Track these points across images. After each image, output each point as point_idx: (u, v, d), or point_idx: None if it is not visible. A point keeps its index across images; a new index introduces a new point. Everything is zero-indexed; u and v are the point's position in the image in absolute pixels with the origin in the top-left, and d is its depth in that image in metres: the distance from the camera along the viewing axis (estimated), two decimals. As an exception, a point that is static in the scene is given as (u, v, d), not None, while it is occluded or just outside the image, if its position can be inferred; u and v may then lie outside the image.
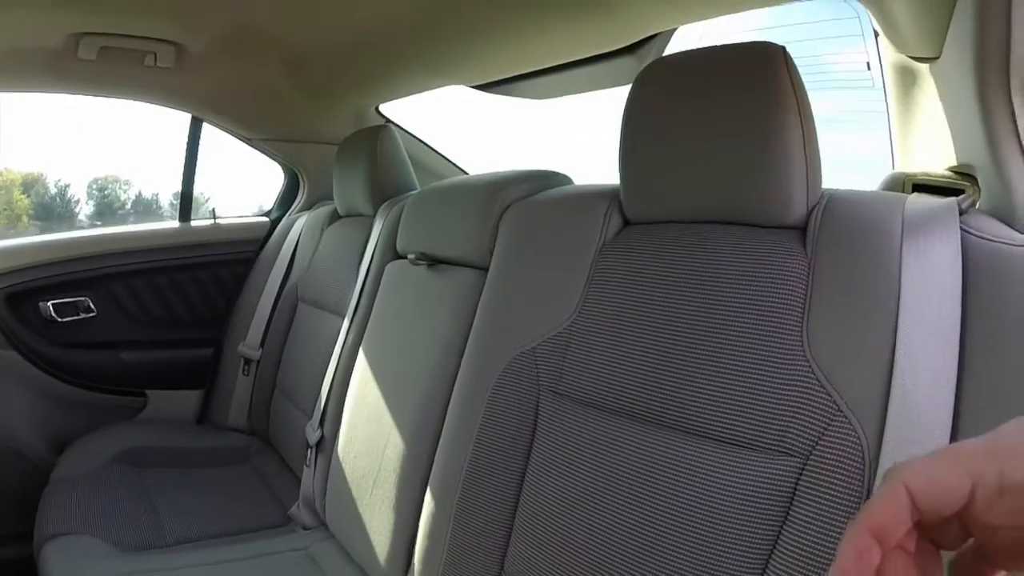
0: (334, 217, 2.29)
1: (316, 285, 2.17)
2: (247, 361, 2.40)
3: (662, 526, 0.90)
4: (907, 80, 1.23)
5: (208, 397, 2.55)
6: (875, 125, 1.39)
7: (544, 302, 1.16)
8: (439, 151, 2.68)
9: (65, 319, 2.36)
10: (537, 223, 1.28)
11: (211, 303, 2.59)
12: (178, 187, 2.58)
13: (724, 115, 0.96)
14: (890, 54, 1.27)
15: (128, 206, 3.19)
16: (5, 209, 2.97)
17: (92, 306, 2.40)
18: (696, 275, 0.98)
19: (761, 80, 0.92)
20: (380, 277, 1.76)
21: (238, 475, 2.17)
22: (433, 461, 1.33)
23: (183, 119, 2.51)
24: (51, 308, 2.33)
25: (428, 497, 1.29)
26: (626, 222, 1.13)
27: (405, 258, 1.67)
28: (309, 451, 1.82)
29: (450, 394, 1.33)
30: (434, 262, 1.56)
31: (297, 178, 2.75)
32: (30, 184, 3.08)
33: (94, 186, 3.17)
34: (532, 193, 1.38)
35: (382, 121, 2.57)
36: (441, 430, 1.33)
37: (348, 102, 2.52)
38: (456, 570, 1.18)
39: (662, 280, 1.01)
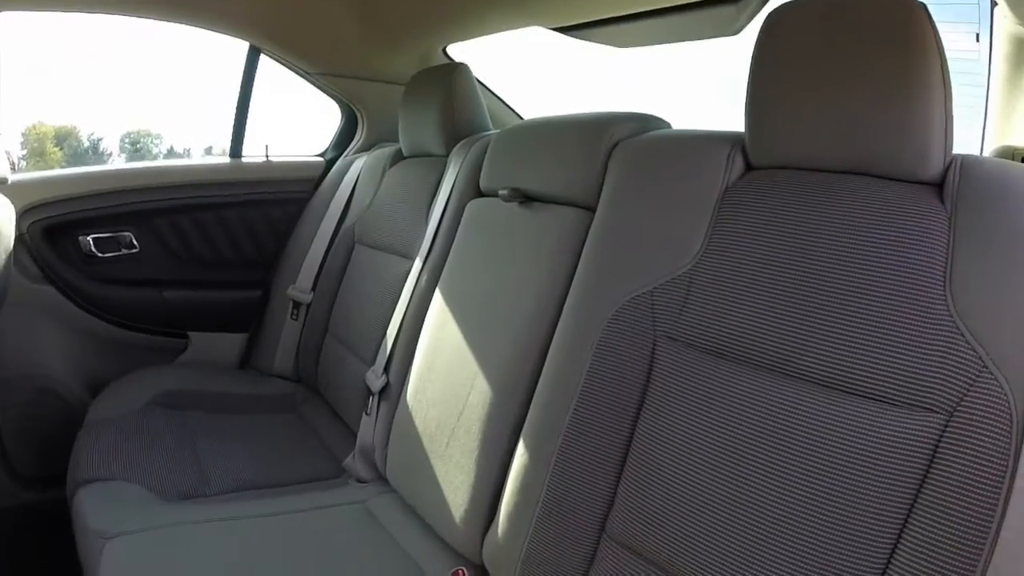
0: (397, 158, 2.17)
1: (378, 226, 2.06)
2: (296, 305, 2.30)
3: (789, 483, 0.88)
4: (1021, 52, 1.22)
5: (252, 341, 2.46)
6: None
7: (661, 245, 1.10)
8: (503, 99, 2.57)
9: (106, 254, 2.26)
10: (652, 163, 1.21)
11: (260, 244, 2.48)
12: (211, 142, 2.52)
13: (865, 65, 0.92)
14: (1007, 25, 1.24)
15: (160, 159, 3.07)
16: (39, 161, 2.89)
17: (134, 242, 2.30)
18: (830, 223, 0.95)
19: (907, 35, 0.90)
20: (459, 217, 1.67)
21: (284, 423, 2.07)
22: (527, 412, 1.25)
23: (220, 72, 2.45)
24: (91, 242, 2.23)
25: (521, 450, 1.21)
26: (748, 167, 1.08)
27: (489, 196, 1.59)
28: (371, 399, 1.72)
29: (548, 339, 1.26)
30: (528, 199, 1.47)
31: (355, 118, 2.64)
32: (63, 137, 3.00)
33: (126, 140, 3.11)
34: (638, 133, 1.31)
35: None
36: (537, 378, 1.25)
37: (415, 40, 2.41)
38: (550, 529, 1.12)
39: (793, 227, 0.98)
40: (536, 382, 1.25)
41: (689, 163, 1.13)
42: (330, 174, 2.50)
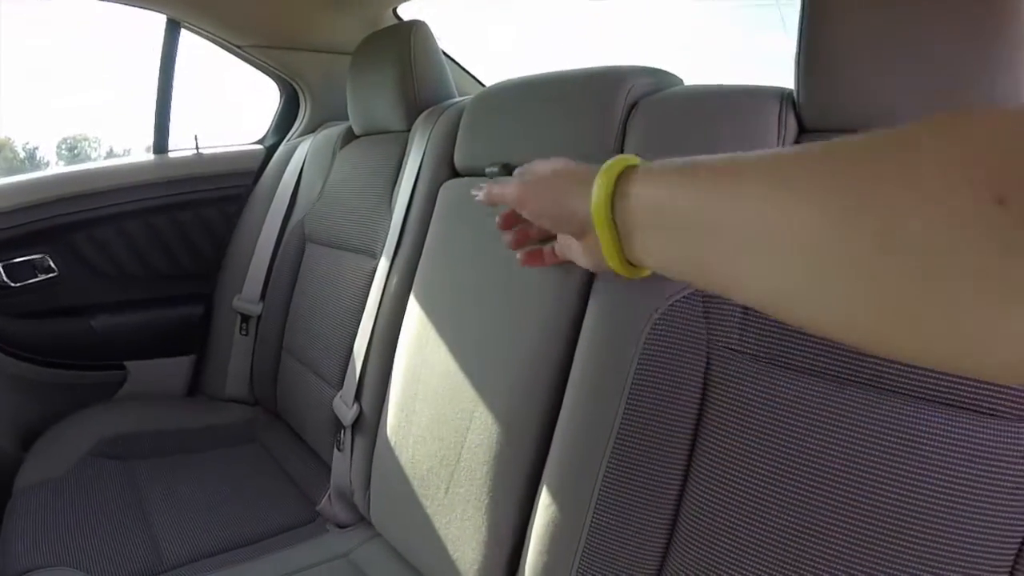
0: (348, 138, 1.89)
1: (332, 220, 1.77)
2: (245, 318, 2.04)
3: (888, 511, 0.75)
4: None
5: (200, 364, 2.19)
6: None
7: None
8: (462, 65, 2.31)
9: (19, 283, 1.98)
10: (684, 125, 0.98)
11: (196, 251, 2.20)
12: (149, 141, 2.21)
13: (947, 20, 0.78)
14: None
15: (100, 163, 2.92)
16: None
17: (51, 264, 2.02)
18: None
19: None
20: (431, 202, 1.40)
21: (245, 457, 1.82)
22: (549, 444, 1.02)
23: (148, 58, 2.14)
24: (1, 271, 1.95)
25: (546, 498, 0.99)
26: (801, 129, 0.91)
27: (469, 176, 1.34)
28: (342, 432, 1.46)
29: (565, 358, 1.02)
30: None
31: (296, 96, 2.35)
32: None
33: (63, 146, 2.95)
34: (657, 89, 1.07)
35: (400, 26, 2.16)
36: (554, 407, 1.02)
37: (359, 2, 2.13)
38: (600, 564, 0.92)
39: None
40: (553, 412, 1.02)
41: (734, 125, 0.93)
42: (271, 163, 2.20)
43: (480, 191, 0.90)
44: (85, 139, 2.93)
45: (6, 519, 1.48)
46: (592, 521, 0.91)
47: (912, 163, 0.37)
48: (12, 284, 1.96)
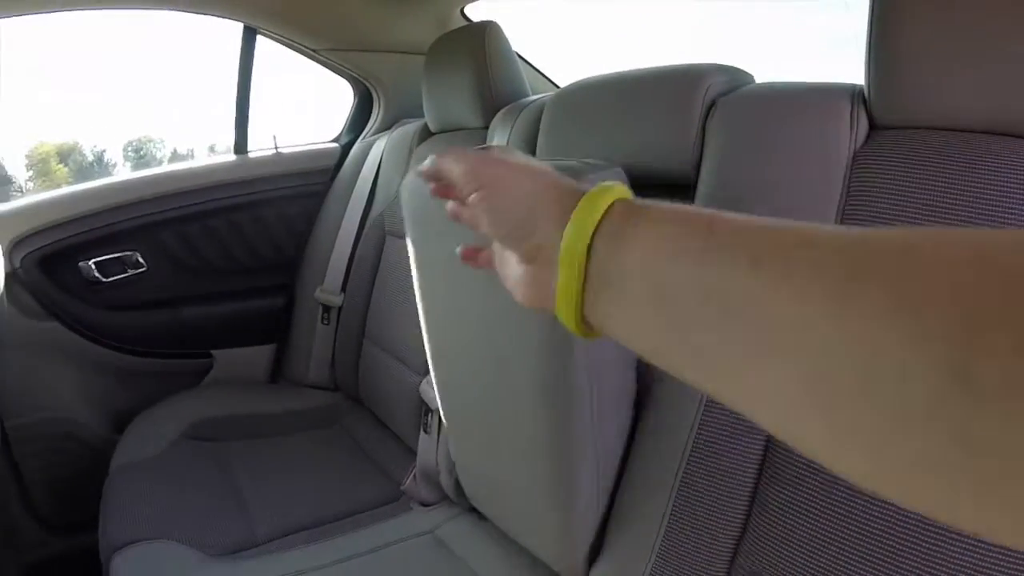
0: (424, 135, 1.95)
1: (411, 214, 1.81)
2: (327, 308, 2.12)
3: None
4: None
5: (282, 352, 2.27)
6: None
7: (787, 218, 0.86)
8: (532, 63, 2.34)
9: (111, 278, 2.07)
10: (763, 123, 1.00)
11: (278, 245, 2.27)
12: (214, 140, 2.35)
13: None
14: None
15: (165, 163, 3.02)
16: (45, 180, 2.83)
17: (141, 260, 2.11)
18: (972, 194, 0.80)
19: None
20: None
21: (328, 440, 1.90)
22: (636, 424, 1.05)
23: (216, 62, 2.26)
24: (93, 267, 2.04)
25: (633, 476, 1.03)
26: (872, 125, 0.92)
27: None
28: (429, 416, 1.52)
29: None
30: None
31: (370, 95, 2.41)
32: (66, 154, 2.96)
33: (129, 148, 3.05)
34: (734, 87, 1.09)
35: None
36: (645, 386, 1.05)
37: (429, 2, 2.20)
38: (676, 560, 0.95)
39: (932, 199, 0.83)
40: (644, 392, 1.05)
41: (808, 122, 0.95)
42: (347, 160, 2.27)
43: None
44: (150, 140, 3.03)
45: (104, 497, 1.56)
46: (673, 507, 0.95)
47: None
48: (104, 279, 2.05)
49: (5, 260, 1.79)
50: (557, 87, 2.13)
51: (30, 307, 1.95)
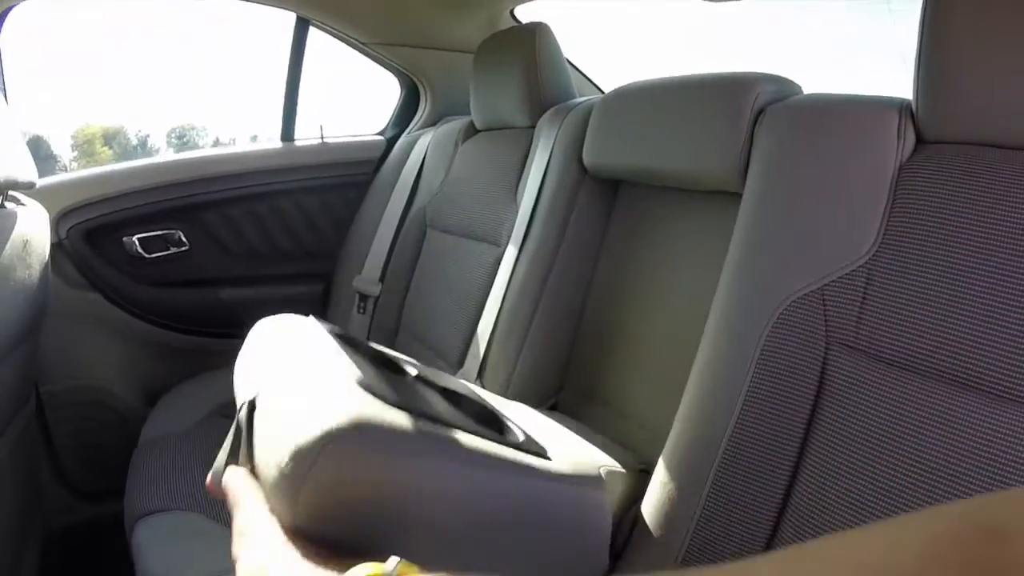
0: (470, 132, 1.98)
1: (455, 209, 1.86)
2: (363, 297, 2.12)
3: None
4: None
5: None
6: None
7: (829, 232, 0.93)
8: (578, 67, 2.35)
9: (153, 255, 2.11)
10: (810, 133, 1.00)
11: (319, 233, 2.31)
12: (256, 131, 2.38)
13: None
14: None
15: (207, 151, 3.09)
16: (89, 162, 2.88)
17: (183, 239, 2.14)
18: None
19: None
20: (560, 196, 1.49)
21: None
22: (670, 429, 1.06)
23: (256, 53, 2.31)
24: (136, 243, 2.08)
25: (665, 472, 1.02)
26: (919, 140, 0.92)
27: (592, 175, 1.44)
28: None
29: (691, 346, 1.06)
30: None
31: (417, 91, 2.43)
32: (111, 136, 3.03)
33: (173, 135, 3.12)
34: (781, 97, 1.11)
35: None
36: (680, 391, 1.06)
37: (480, 2, 2.22)
38: (719, 518, 0.94)
39: (982, 215, 0.82)
40: (681, 397, 1.06)
41: (855, 134, 0.95)
42: (392, 153, 2.30)
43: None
44: (192, 128, 3.08)
45: (132, 466, 1.59)
46: (709, 494, 0.94)
47: None
48: (146, 255, 2.08)
49: (52, 231, 1.81)
50: (601, 91, 2.16)
51: (73, 278, 1.99)
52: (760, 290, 0.96)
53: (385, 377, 0.78)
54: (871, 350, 0.86)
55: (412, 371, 0.95)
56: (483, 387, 1.48)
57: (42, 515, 1.90)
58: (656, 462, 1.06)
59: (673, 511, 0.98)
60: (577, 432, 1.26)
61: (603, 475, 0.97)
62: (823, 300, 0.90)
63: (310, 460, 0.60)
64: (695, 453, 0.98)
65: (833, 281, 0.90)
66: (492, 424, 0.91)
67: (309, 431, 0.61)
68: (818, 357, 0.89)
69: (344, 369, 0.71)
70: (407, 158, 2.18)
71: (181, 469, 1.53)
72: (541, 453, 0.85)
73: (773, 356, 0.92)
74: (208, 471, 1.50)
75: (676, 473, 1.00)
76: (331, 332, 0.90)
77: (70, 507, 2.04)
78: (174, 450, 1.61)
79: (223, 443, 1.61)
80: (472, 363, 1.54)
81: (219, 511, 1.39)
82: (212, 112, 3.13)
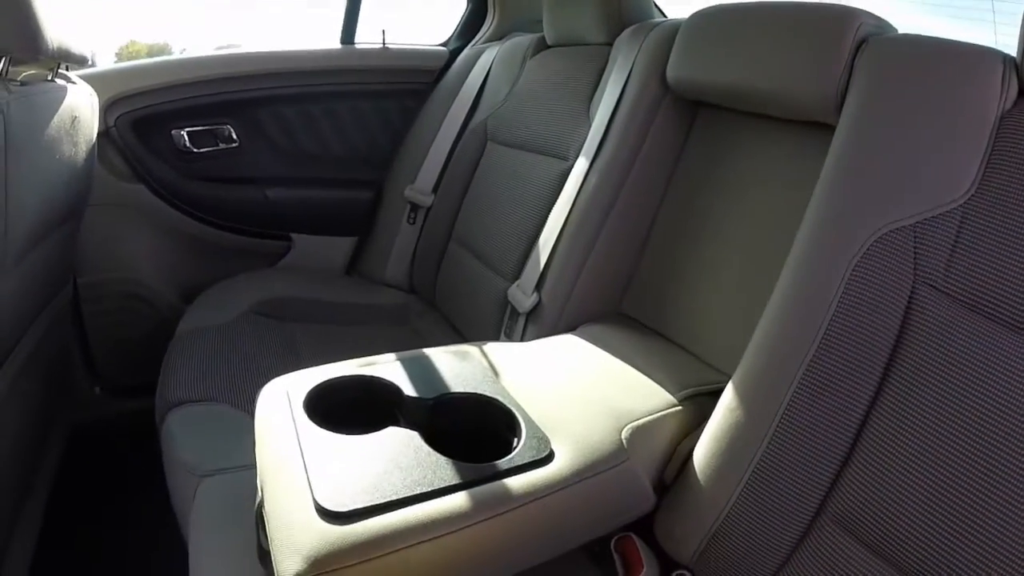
0: (539, 47, 1.92)
1: (519, 123, 1.80)
2: (415, 207, 2.09)
3: None
4: None
5: (362, 246, 2.26)
6: None
7: (925, 170, 0.89)
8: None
9: (202, 149, 2.08)
10: (912, 71, 0.95)
11: (373, 140, 2.25)
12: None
13: None
14: None
15: None
16: None
17: (234, 135, 2.11)
18: None
19: None
20: (637, 114, 1.44)
21: (398, 338, 1.88)
22: (731, 358, 1.05)
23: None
24: (186, 137, 2.04)
25: (731, 401, 0.99)
26: (1020, 94, 0.88)
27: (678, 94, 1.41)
28: (516, 319, 1.51)
29: (764, 277, 1.05)
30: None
31: (483, 5, 2.36)
32: (156, 53, 2.86)
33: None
34: (882, 32, 1.06)
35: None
36: (754, 319, 1.02)
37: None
38: (760, 498, 0.93)
39: None
40: (755, 326, 1.02)
41: (958, 78, 0.91)
42: (455, 65, 2.23)
43: None
44: (239, 46, 3.00)
45: (166, 358, 1.57)
46: (776, 429, 0.91)
47: None
48: (195, 150, 2.05)
49: (100, 119, 1.79)
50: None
51: (119, 168, 1.96)
52: (851, 220, 0.93)
53: (358, 455, 0.88)
54: (959, 295, 0.84)
55: (409, 391, 1.02)
56: (541, 300, 1.45)
57: (69, 409, 1.91)
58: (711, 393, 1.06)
59: (739, 437, 0.96)
60: (636, 346, 1.26)
61: (625, 440, 0.98)
62: (914, 237, 0.87)
63: None
64: (769, 381, 0.94)
65: (926, 219, 0.87)
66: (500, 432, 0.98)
67: (281, 574, 0.73)
68: (903, 294, 0.87)
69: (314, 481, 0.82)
70: (470, 71, 2.12)
71: (216, 361, 1.52)
72: (543, 460, 0.90)
73: (859, 288, 0.89)
74: (243, 365, 1.48)
75: (746, 400, 0.97)
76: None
77: (100, 401, 2.04)
78: (210, 343, 1.59)
79: (260, 340, 1.59)
80: (531, 275, 1.49)
81: (251, 403, 1.37)
82: (260, 32, 3.13)
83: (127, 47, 2.90)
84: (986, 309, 0.81)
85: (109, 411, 2.05)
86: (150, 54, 2.87)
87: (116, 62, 2.79)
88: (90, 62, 1.52)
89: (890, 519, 0.82)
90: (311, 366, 1.14)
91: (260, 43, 2.19)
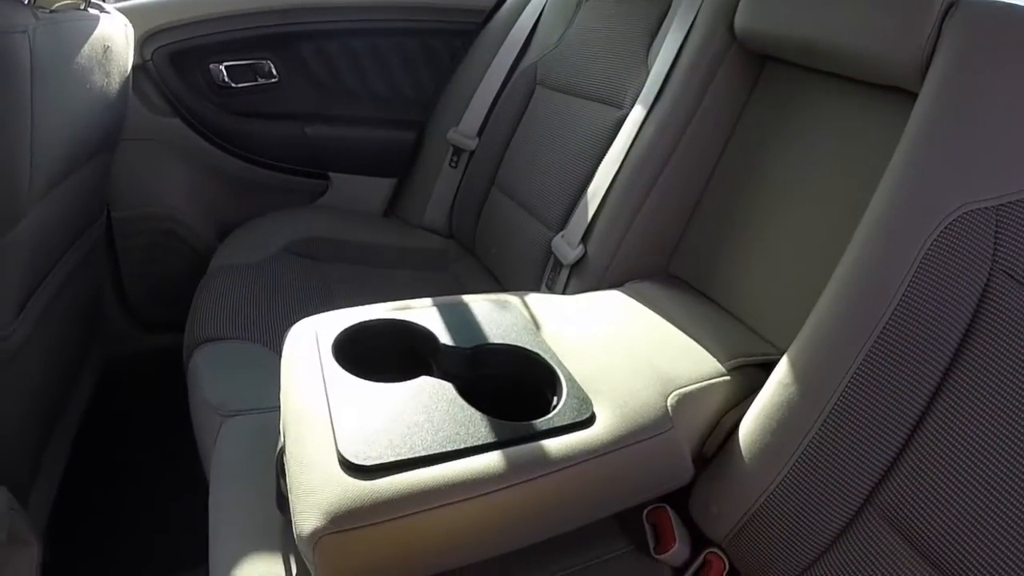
0: None
1: (572, 68, 1.72)
2: (457, 151, 2.02)
3: None
4: None
5: (401, 188, 2.20)
6: None
7: (1014, 147, 0.83)
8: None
9: (241, 84, 2.02)
10: (1005, 38, 0.89)
11: (417, 79, 2.18)
12: None
13: None
14: None
15: None
16: None
17: (274, 70, 2.05)
18: None
19: None
20: (700, 64, 1.36)
21: (435, 282, 1.86)
22: (782, 332, 1.05)
23: None
24: (224, 71, 1.99)
25: (785, 377, 0.94)
26: None
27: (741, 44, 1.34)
28: (559, 271, 1.46)
29: (826, 252, 1.00)
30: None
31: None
32: None
33: None
34: None
35: None
36: (809, 293, 0.98)
37: None
38: (807, 482, 0.88)
39: None
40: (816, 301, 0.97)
41: None
42: (506, 5, 2.14)
43: None
44: None
45: (197, 294, 1.56)
46: (831, 412, 0.86)
47: None
48: (233, 84, 2.00)
49: (136, 51, 1.77)
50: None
51: (154, 102, 1.93)
52: (928, 198, 0.86)
53: (389, 404, 0.83)
54: None
55: (444, 340, 0.97)
56: (587, 253, 1.40)
57: (102, 341, 1.91)
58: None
59: (791, 416, 0.91)
60: (684, 309, 1.22)
61: (670, 408, 0.93)
62: (996, 220, 0.81)
63: (309, 558, 0.69)
64: (827, 360, 0.89)
65: (1011, 202, 0.81)
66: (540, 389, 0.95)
67: (299, 528, 0.70)
68: (979, 282, 0.81)
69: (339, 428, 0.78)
70: (522, 11, 2.03)
71: (246, 300, 1.50)
72: (585, 422, 0.85)
73: (931, 270, 0.83)
74: (274, 304, 1.45)
75: (802, 377, 0.92)
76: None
77: (132, 335, 2.04)
78: (241, 281, 1.57)
79: (293, 279, 1.56)
80: (577, 227, 1.44)
81: (279, 343, 1.36)
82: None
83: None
84: None
85: (143, 346, 2.04)
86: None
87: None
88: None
89: (940, 519, 0.77)
90: (344, 304, 1.10)
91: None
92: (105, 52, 1.40)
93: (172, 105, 1.94)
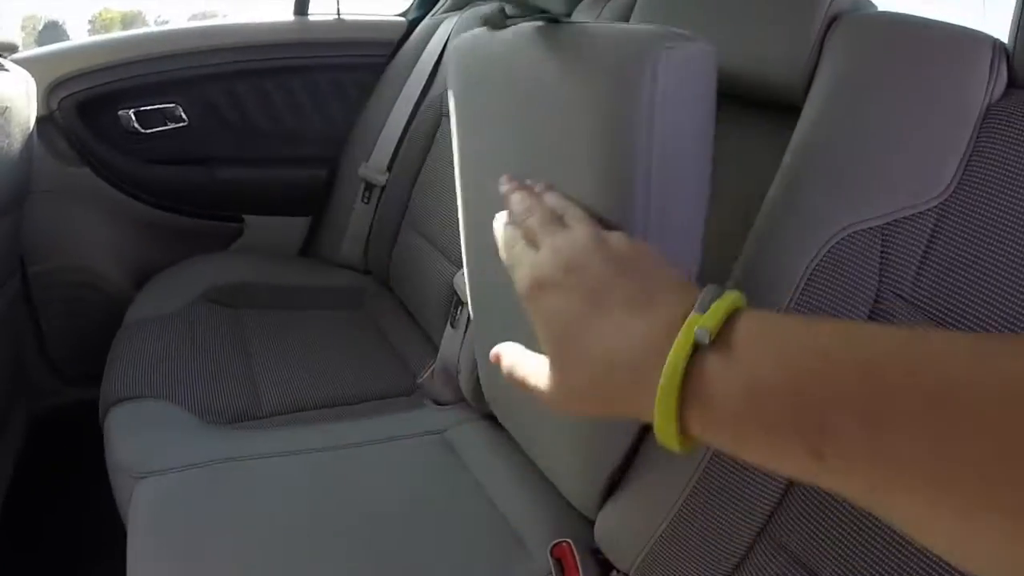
0: (499, 19, 1.78)
1: (474, 100, 1.69)
2: (369, 186, 2.01)
3: None
4: None
5: (316, 226, 2.19)
6: None
7: (900, 164, 0.81)
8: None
9: (150, 129, 1.99)
10: (888, 50, 0.87)
11: (328, 115, 2.15)
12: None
13: None
14: None
15: None
16: None
17: (183, 114, 2.02)
18: None
19: None
20: None
21: (350, 321, 1.83)
22: None
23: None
24: (133, 117, 1.96)
25: None
26: (1011, 83, 0.81)
27: None
28: (458, 309, 1.45)
29: (720, 277, 0.93)
30: None
31: (443, -28, 2.26)
32: (129, 22, 3.06)
33: (192, 21, 2.96)
34: (858, 8, 0.96)
35: None
36: None
37: None
38: (698, 517, 0.87)
39: None
40: None
41: (942, 62, 0.82)
42: (412, 36, 2.13)
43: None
44: (214, 14, 2.94)
45: (111, 352, 1.53)
46: (710, 459, 0.85)
47: None
48: (142, 130, 1.97)
49: (42, 102, 1.76)
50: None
51: (63, 152, 1.90)
52: (811, 217, 0.84)
53: None
54: (928, 307, 0.76)
55: None
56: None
57: (25, 397, 1.87)
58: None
59: (667, 465, 0.91)
60: None
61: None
62: (882, 240, 0.79)
63: None
64: None
65: (897, 220, 0.78)
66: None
67: None
68: (866, 304, 0.79)
69: None
70: (428, 42, 2.03)
71: (161, 355, 1.48)
72: None
73: (816, 295, 0.81)
74: (188, 358, 1.45)
75: None
76: None
77: (55, 390, 2.00)
78: (157, 334, 1.55)
79: (209, 330, 1.56)
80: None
81: (193, 401, 1.37)
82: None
83: (100, 15, 2.92)
84: (959, 326, 0.75)
85: (67, 400, 2.01)
86: (124, 21, 2.95)
87: (89, 31, 2.78)
88: (20, 48, 1.47)
89: (836, 545, 0.77)
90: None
91: (236, 12, 2.12)
92: (4, 113, 1.38)
93: (81, 154, 1.91)
